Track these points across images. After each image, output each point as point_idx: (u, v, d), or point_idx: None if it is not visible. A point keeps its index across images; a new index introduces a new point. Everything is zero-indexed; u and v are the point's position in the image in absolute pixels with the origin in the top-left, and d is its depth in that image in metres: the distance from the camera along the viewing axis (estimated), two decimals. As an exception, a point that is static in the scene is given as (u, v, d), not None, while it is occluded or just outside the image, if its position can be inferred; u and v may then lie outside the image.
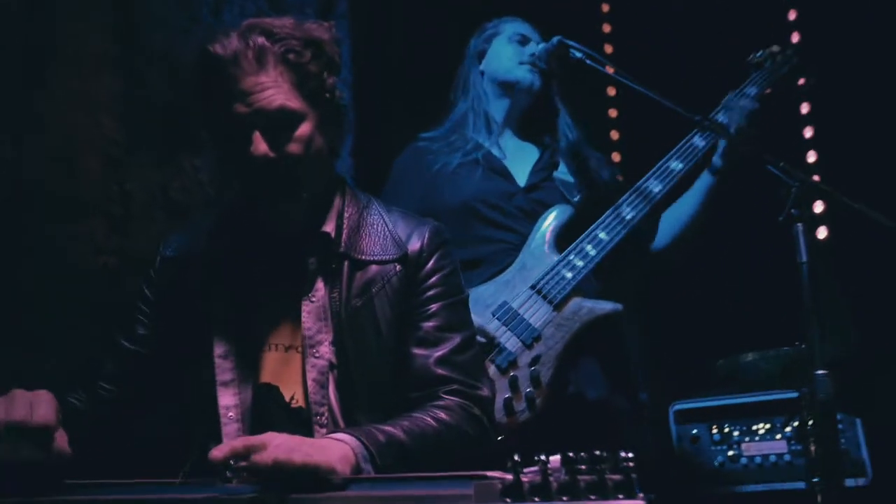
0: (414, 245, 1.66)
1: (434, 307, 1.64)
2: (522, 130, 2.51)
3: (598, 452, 1.08)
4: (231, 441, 1.23)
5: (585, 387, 2.16)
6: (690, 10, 3.46)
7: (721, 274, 3.29)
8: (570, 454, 1.08)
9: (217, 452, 1.21)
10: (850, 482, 2.48)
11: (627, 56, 3.57)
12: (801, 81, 2.66)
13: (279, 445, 1.21)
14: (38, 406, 1.35)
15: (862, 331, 2.98)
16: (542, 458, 1.07)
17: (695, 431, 2.74)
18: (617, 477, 1.06)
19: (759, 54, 2.58)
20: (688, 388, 2.87)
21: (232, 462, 1.20)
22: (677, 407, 2.80)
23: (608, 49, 3.70)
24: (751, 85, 2.49)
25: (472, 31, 2.64)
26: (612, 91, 3.70)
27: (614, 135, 3.67)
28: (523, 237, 2.26)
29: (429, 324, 1.63)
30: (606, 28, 3.73)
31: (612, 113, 3.69)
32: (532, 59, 2.44)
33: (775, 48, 2.58)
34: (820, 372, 1.87)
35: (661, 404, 2.84)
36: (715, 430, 2.72)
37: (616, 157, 3.63)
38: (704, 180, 2.38)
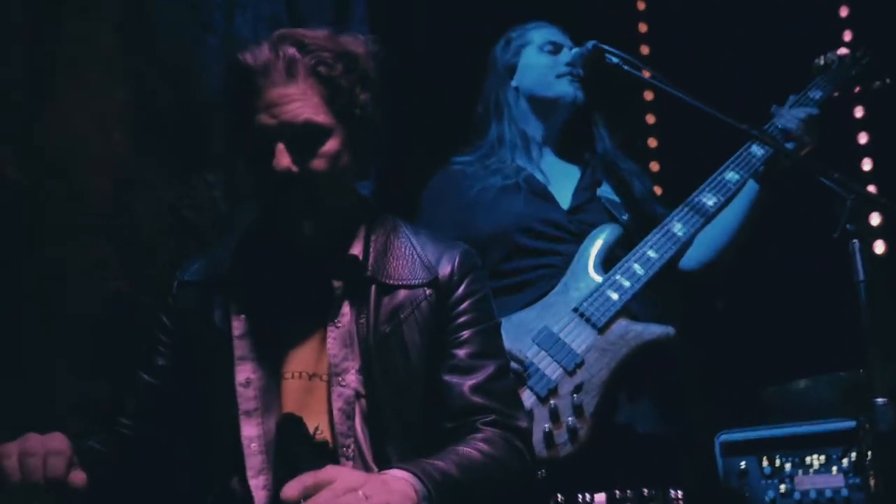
0: (444, 269, 1.70)
1: (467, 334, 1.68)
2: (562, 148, 2.53)
3: (646, 491, 1.11)
4: (300, 478, 1.28)
5: (636, 418, 2.17)
6: (733, 6, 3.49)
7: (770, 294, 3.30)
8: (617, 493, 1.12)
9: (291, 492, 1.26)
10: (913, 520, 2.50)
11: (666, 58, 3.61)
12: (857, 89, 2.64)
13: (345, 484, 1.28)
14: (50, 456, 1.40)
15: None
16: (587, 497, 1.11)
17: (743, 464, 2.74)
18: (667, 516, 1.09)
19: (826, 56, 2.57)
20: (735, 417, 2.89)
21: (303, 501, 1.25)
22: (723, 438, 2.80)
23: (644, 50, 3.73)
24: (815, 88, 2.48)
25: (498, 35, 2.65)
26: (649, 96, 3.74)
27: (652, 142, 3.70)
28: (569, 260, 2.28)
29: (462, 351, 1.66)
30: (643, 27, 3.77)
31: (650, 119, 3.72)
32: (570, 69, 2.44)
33: (843, 50, 2.57)
34: (880, 400, 1.89)
35: (706, 434, 2.87)
36: (765, 463, 2.72)
37: (654, 166, 3.66)
38: (749, 189, 2.36)
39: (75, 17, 2.27)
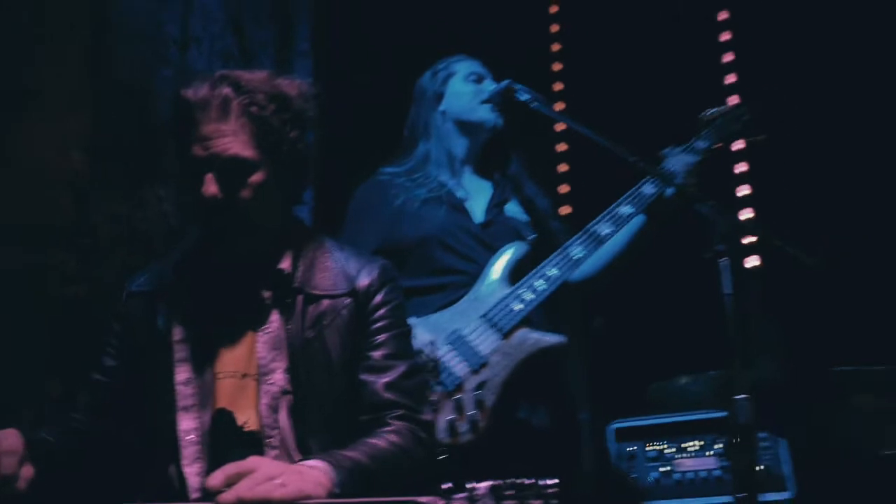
0: (364, 281, 1.73)
1: (382, 337, 1.71)
2: (479, 168, 2.55)
3: (523, 480, 1.14)
4: (223, 468, 1.29)
5: (530, 413, 2.21)
6: (638, 57, 3.56)
7: (659, 302, 3.38)
8: (499, 481, 1.14)
9: (214, 481, 1.27)
10: (773, 496, 2.60)
11: (578, 95, 3.69)
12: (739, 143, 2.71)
13: (264, 473, 1.29)
14: (3, 455, 1.39)
15: (794, 355, 3.08)
16: (472, 485, 1.14)
17: (631, 449, 2.83)
18: (538, 503, 1.12)
19: (711, 111, 2.62)
20: (627, 408, 2.96)
21: (225, 489, 1.25)
22: (615, 426, 2.89)
23: (558, 87, 3.79)
24: (701, 139, 2.54)
25: (426, 67, 2.65)
26: (560, 127, 3.79)
27: (563, 167, 3.75)
28: (481, 269, 2.31)
29: (377, 352, 1.70)
30: (557, 66, 3.83)
31: (562, 147, 3.78)
32: (491, 97, 2.47)
33: (727, 107, 2.62)
34: (740, 397, 1.96)
35: (601, 424, 2.94)
36: (650, 448, 2.81)
37: (564, 188, 3.72)
38: (637, 221, 2.44)
39: (42, 50, 2.23)
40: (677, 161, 2.42)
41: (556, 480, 1.17)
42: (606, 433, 2.90)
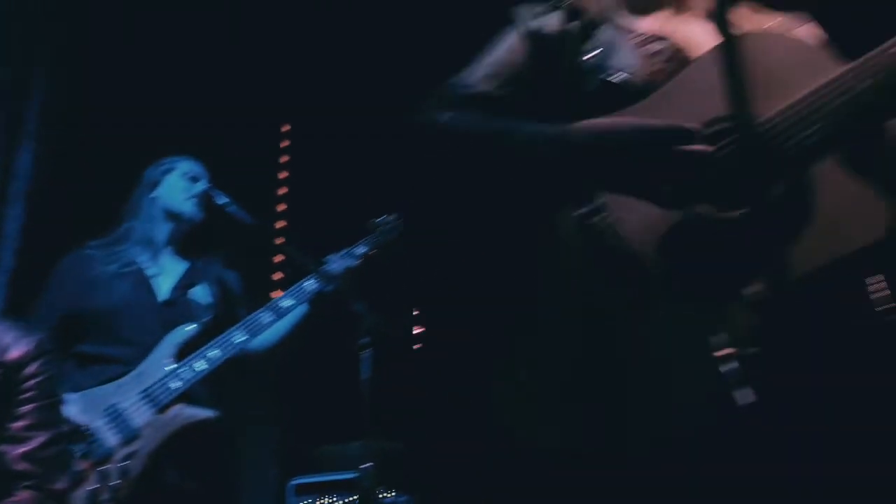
0: (15, 353, 1.63)
1: (26, 408, 1.61)
2: (181, 250, 2.50)
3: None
4: None
5: (183, 478, 2.15)
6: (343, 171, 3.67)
7: (333, 380, 3.43)
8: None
9: None
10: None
11: (298, 196, 3.79)
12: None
13: None
14: None
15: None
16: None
17: (307, 502, 2.86)
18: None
19: (374, 221, 2.66)
20: (304, 467, 3.00)
21: None
22: (295, 482, 2.92)
23: (283, 191, 3.86)
24: (361, 245, 2.61)
25: (151, 161, 2.61)
26: (281, 224, 3.84)
27: (278, 258, 3.77)
28: (153, 345, 2.23)
29: (18, 423, 1.59)
30: (283, 174, 3.92)
31: (280, 240, 3.82)
32: (197, 193, 2.46)
33: (386, 218, 2.69)
34: (364, 465, 2.18)
35: (284, 480, 2.94)
36: (323, 501, 2.85)
37: (279, 275, 3.73)
38: (300, 310, 2.48)
39: None
40: (338, 264, 2.52)
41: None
42: (287, 489, 2.91)
